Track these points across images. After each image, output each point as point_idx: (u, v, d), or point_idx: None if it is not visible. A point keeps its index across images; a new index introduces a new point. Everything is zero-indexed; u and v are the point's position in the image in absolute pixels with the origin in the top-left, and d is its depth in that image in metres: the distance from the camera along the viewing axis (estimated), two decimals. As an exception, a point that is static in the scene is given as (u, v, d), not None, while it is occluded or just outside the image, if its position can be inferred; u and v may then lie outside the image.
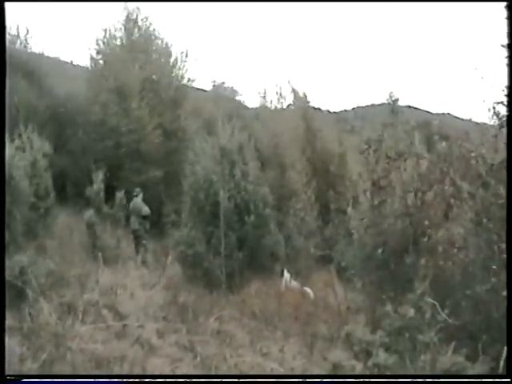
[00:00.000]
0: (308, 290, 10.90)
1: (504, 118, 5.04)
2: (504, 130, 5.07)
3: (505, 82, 4.55)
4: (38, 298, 5.50)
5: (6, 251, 5.73)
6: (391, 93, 19.06)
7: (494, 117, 5.68)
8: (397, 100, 17.92)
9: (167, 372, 4.96)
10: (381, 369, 4.05)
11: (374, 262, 7.91)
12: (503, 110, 4.92)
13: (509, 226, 4.19)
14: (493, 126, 6.04)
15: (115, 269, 8.49)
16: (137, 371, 4.73)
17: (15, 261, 5.64)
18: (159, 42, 20.19)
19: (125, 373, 4.65)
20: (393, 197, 7.95)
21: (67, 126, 18.08)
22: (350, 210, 8.95)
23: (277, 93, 24.66)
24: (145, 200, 11.49)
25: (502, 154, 5.28)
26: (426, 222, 7.54)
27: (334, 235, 13.70)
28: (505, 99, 4.88)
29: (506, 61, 4.22)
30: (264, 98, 24.80)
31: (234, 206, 8.91)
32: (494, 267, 5.49)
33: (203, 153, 9.77)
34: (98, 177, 10.18)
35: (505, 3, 4.04)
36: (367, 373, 4.18)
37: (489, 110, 5.72)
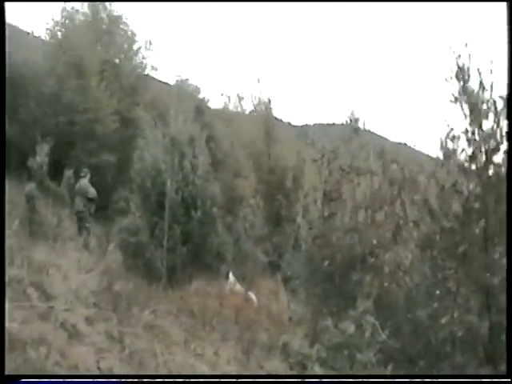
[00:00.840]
0: (252, 295, 10.66)
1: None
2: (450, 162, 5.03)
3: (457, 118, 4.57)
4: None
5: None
6: (353, 112, 18.95)
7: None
8: (357, 120, 17.92)
9: (90, 362, 4.55)
10: (313, 385, 3.84)
11: (320, 274, 7.76)
12: (451, 145, 4.87)
13: (509, 226, 4.08)
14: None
15: (53, 248, 7.99)
16: (55, 357, 4.30)
17: None
18: (125, 27, 19.76)
19: (42, 358, 4.22)
20: (343, 210, 7.85)
21: (19, 95, 17.19)
22: (299, 219, 8.79)
23: (239, 96, 24.60)
24: (95, 184, 10.98)
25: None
26: (375, 241, 7.46)
27: (284, 243, 13.51)
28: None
29: (506, 60, 4.13)
30: (228, 99, 24.67)
31: (181, 199, 8.53)
32: (438, 293, 5.39)
33: (153, 140, 9.35)
34: (43, 149, 9.56)
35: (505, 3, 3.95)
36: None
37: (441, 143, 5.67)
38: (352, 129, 9.11)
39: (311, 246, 8.00)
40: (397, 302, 6.31)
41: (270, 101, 23.22)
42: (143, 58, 19.97)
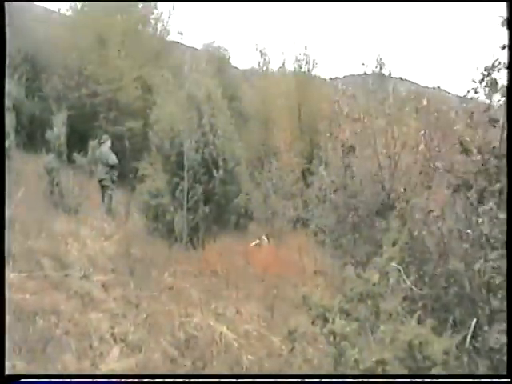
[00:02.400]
0: (264, 237, 10.83)
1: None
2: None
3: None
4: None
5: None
6: (379, 59, 18.34)
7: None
8: (383, 66, 17.35)
9: (104, 328, 4.48)
10: (337, 337, 3.62)
11: (346, 225, 7.53)
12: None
13: (509, 226, 3.81)
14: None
15: (74, 217, 7.95)
16: (66, 326, 4.23)
17: None
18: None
19: (51, 324, 4.16)
20: (365, 158, 7.55)
21: (41, 71, 17.24)
22: (321, 170, 8.52)
23: (262, 54, 24.18)
24: (119, 151, 10.88)
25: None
26: (401, 188, 7.16)
27: (312, 198, 13.24)
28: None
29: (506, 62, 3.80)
30: (262, 56, 24.28)
31: (201, 158, 8.32)
32: (472, 238, 5.07)
33: (170, 99, 9.11)
34: (59, 120, 9.43)
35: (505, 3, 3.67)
36: (323, 339, 3.79)
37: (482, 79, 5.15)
38: (378, 76, 8.59)
39: (335, 196, 7.77)
40: (428, 249, 6.07)
41: (299, 56, 22.99)
42: (166, 23, 19.54)
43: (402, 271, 3.93)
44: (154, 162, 9.29)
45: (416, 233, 6.14)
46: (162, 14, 19.58)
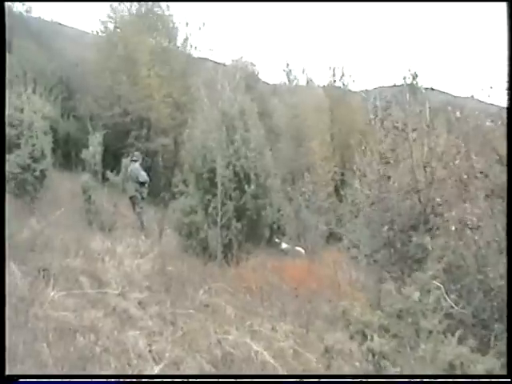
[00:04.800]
0: (300, 249, 10.87)
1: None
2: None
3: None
4: (9, 261, 5.06)
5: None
6: (410, 70, 18.21)
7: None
8: (415, 76, 17.20)
9: (141, 346, 4.52)
10: (375, 355, 3.58)
11: (380, 239, 7.44)
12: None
13: (509, 225, 3.77)
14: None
15: (109, 235, 8.09)
16: (105, 343, 4.29)
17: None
18: (173, 13, 19.80)
19: (91, 342, 4.21)
20: (401, 171, 7.47)
21: (76, 91, 17.74)
22: (356, 183, 8.45)
23: (291, 69, 24.34)
24: (151, 168, 11.06)
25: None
26: (438, 200, 7.06)
27: (345, 212, 13.17)
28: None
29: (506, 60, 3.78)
30: (288, 73, 24.43)
31: (233, 173, 8.35)
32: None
33: (202, 117, 9.22)
34: (96, 139, 9.67)
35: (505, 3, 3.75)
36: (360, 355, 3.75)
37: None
38: (408, 88, 8.52)
39: (369, 210, 7.70)
40: (465, 262, 5.95)
41: (329, 70, 23.15)
42: (194, 40, 19.92)
43: (443, 289, 3.87)
44: (186, 180, 9.38)
45: (452, 246, 6.05)
46: (190, 33, 19.89)
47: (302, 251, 11.78)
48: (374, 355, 3.58)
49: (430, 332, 3.58)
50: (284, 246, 11.90)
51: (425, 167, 7.16)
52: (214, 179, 8.31)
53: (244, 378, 3.44)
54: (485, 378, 3.11)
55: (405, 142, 7.25)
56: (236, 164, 8.38)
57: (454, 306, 4.03)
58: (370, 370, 3.70)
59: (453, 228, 6.23)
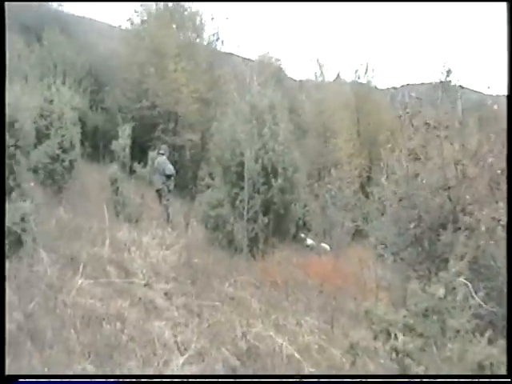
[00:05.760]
0: (325, 245, 10.84)
1: None
2: None
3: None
4: (38, 248, 5.12)
5: (8, 198, 5.45)
6: (444, 67, 17.77)
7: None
8: (450, 73, 16.75)
9: (167, 336, 4.52)
10: (399, 354, 3.50)
11: (407, 237, 7.33)
12: None
13: (509, 222, 3.69)
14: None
15: (136, 226, 8.13)
16: (131, 332, 4.30)
17: (17, 207, 5.26)
18: (199, 8, 19.79)
19: (117, 330, 4.23)
20: (431, 168, 7.34)
21: (104, 84, 17.91)
22: (383, 180, 8.33)
23: (319, 64, 24.13)
24: (177, 162, 11.08)
25: None
26: (468, 198, 6.92)
27: (372, 209, 13.00)
28: None
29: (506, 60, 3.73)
30: (315, 69, 24.30)
31: (260, 167, 8.32)
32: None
33: (231, 110, 9.21)
34: (125, 131, 9.72)
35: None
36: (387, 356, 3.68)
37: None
38: (441, 85, 8.35)
39: (396, 208, 7.59)
40: (496, 263, 5.84)
41: (357, 66, 23.01)
42: (220, 35, 19.89)
43: (470, 287, 3.78)
44: (212, 173, 9.38)
45: (483, 245, 5.93)
46: (217, 27, 19.89)
47: (328, 248, 11.71)
48: (397, 354, 3.51)
49: (458, 331, 3.49)
50: (309, 242, 11.84)
51: (456, 165, 7.03)
52: (241, 172, 8.30)
53: (244, 378, 3.45)
54: (485, 378, 3.07)
55: (436, 139, 7.13)
56: (264, 157, 8.35)
57: (482, 304, 3.93)
58: (394, 368, 3.64)
59: (483, 228, 6.12)
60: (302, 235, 11.65)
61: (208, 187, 9.78)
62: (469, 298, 3.73)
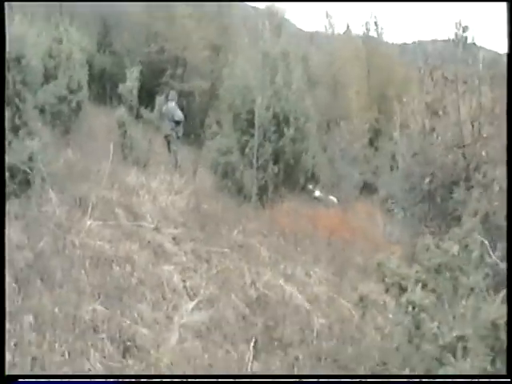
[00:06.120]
0: (333, 198, 10.82)
1: None
2: None
3: None
4: (47, 188, 5.02)
5: (15, 137, 5.32)
6: (461, 24, 17.15)
7: None
8: (466, 29, 16.14)
9: (176, 281, 4.48)
10: (415, 308, 3.43)
11: (419, 193, 7.22)
12: None
13: (509, 224, 3.58)
14: None
15: (144, 171, 8.00)
16: (141, 275, 4.25)
17: (24, 146, 5.13)
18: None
19: (126, 273, 4.18)
20: (446, 124, 7.14)
21: (112, 27, 17.40)
22: (396, 134, 8.15)
23: (328, 16, 23.45)
24: (186, 109, 10.84)
25: None
26: (484, 155, 6.74)
27: (381, 163, 12.86)
28: None
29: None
30: (328, 19, 23.61)
31: (272, 115, 8.11)
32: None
33: (243, 56, 8.93)
34: (133, 73, 9.44)
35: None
36: (399, 309, 3.61)
37: None
38: (457, 43, 7.98)
39: (409, 163, 7.45)
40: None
41: (368, 19, 22.37)
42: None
43: (487, 244, 3.68)
44: (219, 121, 9.20)
45: (496, 205, 5.81)
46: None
47: (335, 200, 11.65)
48: (413, 308, 3.44)
49: (472, 289, 3.41)
50: (317, 193, 11.75)
51: (472, 122, 6.84)
52: (252, 120, 8.10)
53: (244, 378, 3.36)
54: (485, 378, 2.95)
55: (453, 93, 6.91)
56: (276, 106, 8.14)
57: (499, 262, 3.83)
58: (405, 322, 3.58)
59: (497, 188, 5.99)
60: (310, 187, 11.53)
61: (215, 134, 9.61)
62: (484, 255, 3.64)
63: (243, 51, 9.26)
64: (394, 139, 8.41)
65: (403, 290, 3.63)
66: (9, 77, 5.41)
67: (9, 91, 5.39)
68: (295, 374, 3.72)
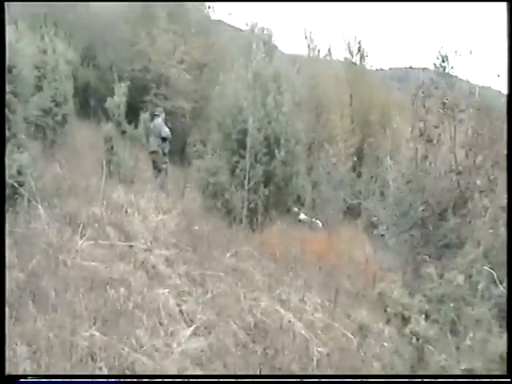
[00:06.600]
0: (318, 221, 10.84)
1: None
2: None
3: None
4: (36, 204, 4.80)
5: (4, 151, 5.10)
6: (441, 53, 17.44)
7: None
8: (446, 59, 16.39)
9: (172, 305, 4.30)
10: (420, 339, 3.33)
11: (410, 219, 7.19)
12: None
13: (509, 222, 3.61)
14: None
15: (130, 188, 7.80)
16: (136, 299, 4.06)
17: (13, 159, 4.92)
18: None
19: (122, 296, 3.99)
20: (440, 151, 7.19)
21: (96, 40, 17.23)
22: (388, 161, 8.15)
23: (310, 39, 23.64)
24: (170, 128, 10.68)
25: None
26: (479, 183, 6.79)
27: (366, 188, 12.86)
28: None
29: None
30: (310, 42, 23.77)
31: (263, 137, 8.05)
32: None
33: (235, 76, 8.88)
34: (121, 89, 9.29)
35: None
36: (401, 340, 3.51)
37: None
38: (437, 72, 8.11)
39: (402, 190, 7.45)
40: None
41: (350, 45, 22.62)
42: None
43: (494, 274, 3.62)
44: (212, 139, 9.09)
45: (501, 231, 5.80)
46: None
47: (320, 224, 11.61)
48: (418, 339, 3.35)
49: (477, 320, 3.34)
50: (302, 216, 11.71)
51: (468, 150, 6.91)
52: (242, 140, 8.02)
53: (244, 378, 3.30)
54: (485, 378, 2.93)
55: (450, 120, 6.97)
56: (267, 127, 8.08)
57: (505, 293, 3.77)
58: (407, 353, 3.49)
59: (492, 214, 6.01)
60: (296, 209, 11.48)
61: (200, 153, 9.49)
62: (490, 286, 3.58)
63: (233, 71, 9.18)
64: (384, 165, 8.42)
65: (406, 319, 3.55)
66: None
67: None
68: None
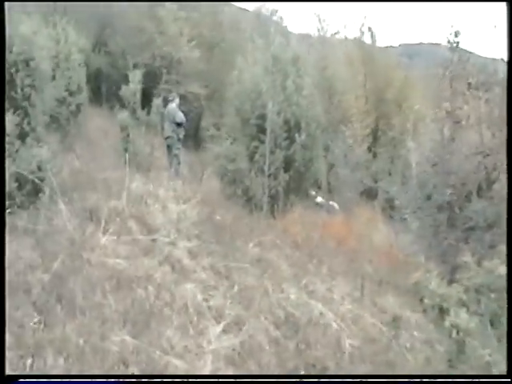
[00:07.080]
0: (334, 204, 10.69)
1: None
2: None
3: None
4: (57, 199, 4.70)
5: (23, 144, 4.99)
6: (453, 29, 16.98)
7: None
8: (458, 33, 15.86)
9: (199, 301, 4.19)
10: (460, 332, 3.21)
11: (435, 203, 7.00)
12: None
13: (509, 225, 3.47)
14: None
15: (147, 177, 7.68)
16: (164, 296, 3.97)
17: (33, 154, 4.82)
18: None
19: (150, 295, 3.89)
20: (467, 132, 6.97)
21: (106, 26, 16.94)
22: (410, 142, 7.94)
23: (320, 20, 23.16)
24: (184, 113, 10.50)
25: None
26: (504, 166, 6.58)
27: (381, 170, 12.66)
28: None
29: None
30: (321, 24, 23.31)
31: (283, 121, 7.87)
32: None
33: (253, 60, 8.67)
34: (136, 76, 9.10)
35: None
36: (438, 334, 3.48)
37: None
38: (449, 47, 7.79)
39: (426, 171, 7.25)
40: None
41: (361, 23, 22.16)
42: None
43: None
44: (230, 123, 8.92)
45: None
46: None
47: (337, 206, 11.46)
48: (458, 332, 3.22)
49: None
50: (319, 199, 11.54)
51: (496, 130, 6.68)
52: (261, 125, 7.85)
53: (244, 378, 3.24)
54: (485, 378, 2.94)
55: (476, 100, 6.74)
56: (287, 111, 7.89)
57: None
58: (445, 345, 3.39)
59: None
60: (313, 193, 11.31)
61: (212, 138, 9.34)
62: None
63: (249, 54, 8.97)
64: (405, 147, 8.20)
65: (444, 311, 3.43)
66: (17, 80, 5.11)
67: (17, 95, 5.09)
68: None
